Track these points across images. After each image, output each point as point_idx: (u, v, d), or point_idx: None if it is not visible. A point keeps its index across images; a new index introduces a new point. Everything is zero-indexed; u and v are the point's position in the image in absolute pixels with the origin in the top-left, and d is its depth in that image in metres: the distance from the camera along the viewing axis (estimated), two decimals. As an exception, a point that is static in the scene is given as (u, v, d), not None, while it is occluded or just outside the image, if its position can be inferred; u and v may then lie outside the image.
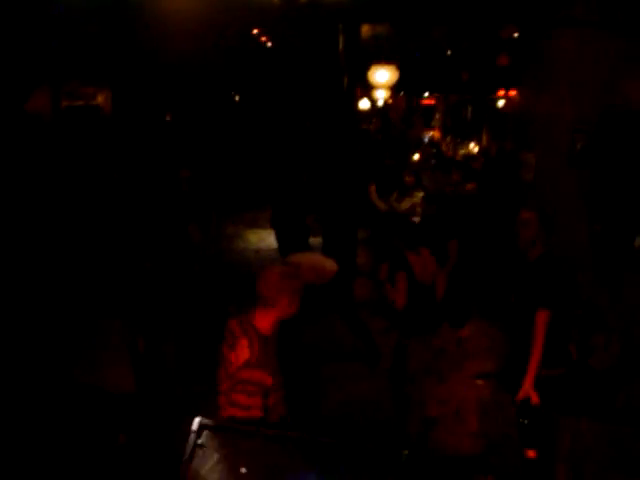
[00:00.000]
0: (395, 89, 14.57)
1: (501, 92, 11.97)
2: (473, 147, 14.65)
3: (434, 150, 14.62)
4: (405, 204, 8.00)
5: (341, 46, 9.73)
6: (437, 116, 18.72)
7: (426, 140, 15.97)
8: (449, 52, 14.20)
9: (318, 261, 6.01)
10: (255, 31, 10.69)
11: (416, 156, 13.27)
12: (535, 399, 3.90)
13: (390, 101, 17.14)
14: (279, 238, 8.36)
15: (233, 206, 12.85)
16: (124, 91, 9.37)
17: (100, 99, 8.86)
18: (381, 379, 5.55)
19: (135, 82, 9.78)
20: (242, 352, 3.01)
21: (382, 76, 11.23)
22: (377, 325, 6.70)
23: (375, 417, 5.25)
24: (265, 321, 3.16)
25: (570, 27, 6.57)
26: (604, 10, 5.87)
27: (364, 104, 16.14)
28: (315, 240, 8.55)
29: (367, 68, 11.49)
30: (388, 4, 9.05)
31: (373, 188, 8.19)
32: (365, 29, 10.86)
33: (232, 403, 3.02)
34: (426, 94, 18.31)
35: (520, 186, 8.49)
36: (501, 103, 15.38)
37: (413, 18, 9.94)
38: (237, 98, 16.59)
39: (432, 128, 18.67)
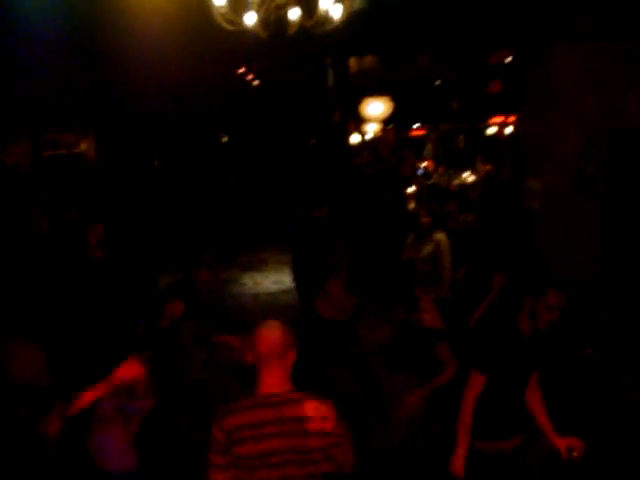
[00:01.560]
0: (384, 122, 14.37)
1: (498, 119, 11.73)
2: (468, 176, 14.36)
3: (428, 182, 14.33)
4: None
5: (331, 81, 9.56)
6: (428, 147, 18.53)
7: (420, 172, 15.67)
8: (438, 82, 14.07)
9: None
10: (241, 70, 10.48)
11: (411, 189, 12.96)
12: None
13: (379, 134, 16.96)
14: (298, 280, 7.91)
15: (226, 249, 12.48)
16: (109, 138, 9.05)
17: (83, 147, 8.52)
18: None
19: (120, 128, 9.48)
20: None
21: (375, 109, 11.00)
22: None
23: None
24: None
25: (571, 43, 6.30)
26: (607, 22, 5.59)
27: (354, 138, 15.92)
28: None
29: (357, 102, 11.27)
30: (375, 35, 8.85)
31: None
32: (353, 62, 10.69)
33: None
34: (416, 125, 18.13)
35: (524, 214, 8.17)
36: (492, 130, 15.22)
37: (400, 49, 9.77)
38: (225, 139, 16.35)
39: (424, 159, 18.46)
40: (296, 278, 8.01)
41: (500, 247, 6.51)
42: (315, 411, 2.65)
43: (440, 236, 6.78)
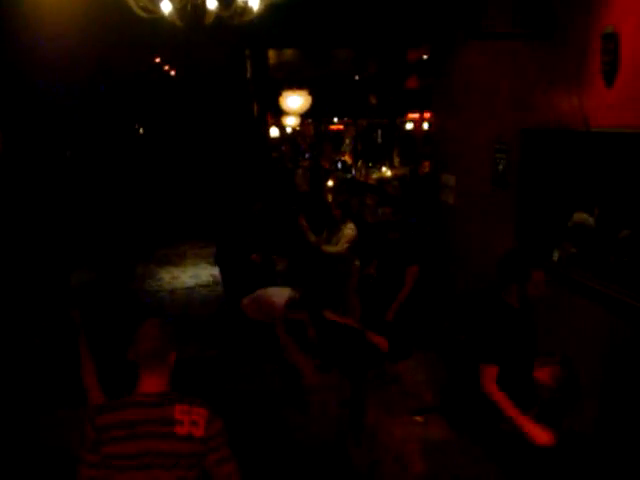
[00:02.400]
0: (303, 115, 14.40)
1: (414, 115, 11.94)
2: (386, 171, 14.59)
3: (349, 175, 14.46)
4: (341, 245, 7.05)
5: (249, 73, 9.45)
6: (347, 141, 18.69)
7: (339, 166, 15.79)
8: (357, 77, 14.21)
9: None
10: (157, 60, 10.22)
11: (330, 182, 13.04)
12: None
13: (298, 128, 16.97)
14: (224, 276, 7.83)
15: (142, 244, 12.19)
16: (15, 127, 8.63)
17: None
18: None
19: (28, 117, 9.06)
20: None
21: (294, 102, 10.98)
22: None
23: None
24: None
25: (480, 40, 6.44)
26: (517, 20, 5.73)
27: (273, 132, 15.88)
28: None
29: (276, 95, 11.21)
30: (294, 28, 8.84)
31: (303, 221, 7.36)
32: (272, 55, 10.62)
33: None
34: (335, 119, 18.26)
35: (440, 209, 8.36)
36: (410, 126, 15.49)
37: (319, 42, 9.78)
38: (141, 130, 15.95)
39: (342, 153, 18.60)
40: (222, 273, 7.94)
41: (411, 240, 6.66)
42: (186, 415, 2.60)
43: (349, 227, 7.03)
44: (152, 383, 2.65)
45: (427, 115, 10.74)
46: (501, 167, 6.56)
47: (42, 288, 6.32)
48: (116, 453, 2.52)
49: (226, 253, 7.60)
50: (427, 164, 10.49)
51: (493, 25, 5.99)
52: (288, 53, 10.85)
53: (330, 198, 11.48)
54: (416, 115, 12.05)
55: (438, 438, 5.08)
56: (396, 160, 15.72)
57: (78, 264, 9.41)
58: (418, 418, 5.68)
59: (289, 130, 17.08)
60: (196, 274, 10.51)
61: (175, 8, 4.61)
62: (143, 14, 4.54)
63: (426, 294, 6.87)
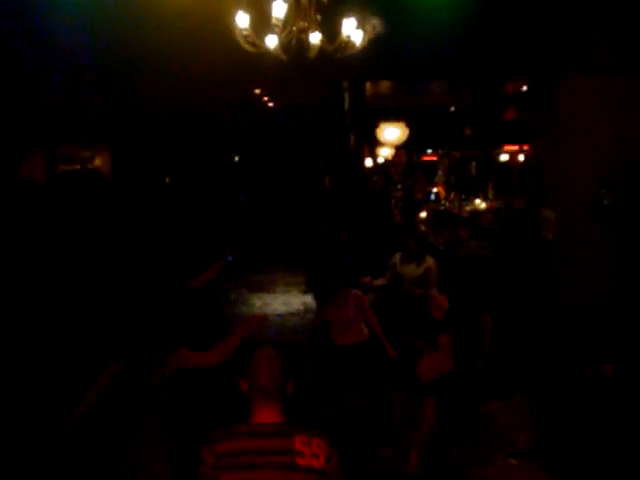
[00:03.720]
0: (397, 146, 14.38)
1: (513, 147, 11.71)
2: (480, 203, 14.30)
3: (442, 207, 14.29)
4: (412, 271, 6.96)
5: (346, 104, 9.55)
6: (440, 172, 18.50)
7: (432, 197, 15.65)
8: (452, 108, 14.11)
9: None
10: (257, 91, 10.51)
11: (423, 214, 12.93)
12: None
13: (391, 158, 16.97)
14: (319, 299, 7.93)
15: (236, 269, 12.44)
16: (123, 154, 9.07)
17: (98, 162, 8.54)
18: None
19: (134, 145, 9.51)
20: None
21: (391, 133, 11.02)
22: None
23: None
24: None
25: (587, 73, 6.28)
26: (623, 54, 5.56)
27: (367, 162, 15.95)
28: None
29: (372, 126, 11.28)
30: (391, 60, 8.88)
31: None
32: (369, 86, 10.71)
33: None
34: (429, 150, 18.14)
35: (540, 244, 8.10)
36: (505, 157, 15.17)
37: (415, 74, 9.80)
38: (236, 159, 16.42)
39: (434, 185, 18.43)
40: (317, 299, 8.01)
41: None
42: (306, 446, 2.56)
43: (430, 261, 6.95)
44: (269, 413, 2.63)
45: (524, 147, 10.49)
46: (606, 202, 6.33)
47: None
48: None
49: (317, 280, 7.65)
50: (521, 199, 10.19)
51: (599, 58, 5.83)
52: (385, 85, 10.92)
53: (423, 229, 11.36)
54: (514, 147, 11.79)
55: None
56: (490, 192, 15.41)
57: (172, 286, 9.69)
58: (512, 461, 5.46)
59: (381, 160, 17.11)
60: (287, 301, 10.60)
61: (280, 43, 4.75)
62: (250, 49, 4.68)
63: (522, 335, 6.64)
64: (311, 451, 2.56)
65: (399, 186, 17.31)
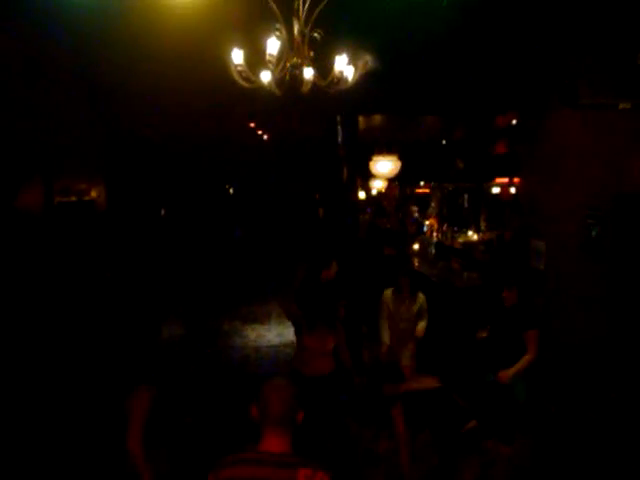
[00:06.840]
0: (390, 178, 14.54)
1: (503, 179, 11.87)
2: (472, 235, 14.43)
3: (435, 239, 14.40)
4: (405, 310, 6.83)
5: (339, 137, 9.71)
6: (432, 205, 18.66)
7: (425, 229, 15.77)
8: (444, 142, 14.30)
9: None
10: (252, 124, 10.68)
11: (416, 246, 13.03)
12: None
13: (383, 190, 17.12)
14: None
15: (228, 300, 12.50)
16: (119, 186, 9.17)
17: (94, 194, 8.63)
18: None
19: (130, 177, 9.62)
20: None
21: (384, 167, 11.18)
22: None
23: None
24: None
25: (577, 109, 6.43)
26: (609, 90, 5.70)
27: (360, 195, 16.10)
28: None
29: (365, 159, 11.44)
30: (384, 95, 9.06)
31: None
32: (362, 120, 10.90)
33: None
34: (421, 183, 18.31)
35: (531, 275, 8.19)
36: (496, 190, 15.33)
37: (408, 109, 9.98)
38: (231, 191, 16.54)
39: (427, 217, 18.57)
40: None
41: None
42: (309, 479, 2.59)
43: (422, 298, 6.87)
44: (277, 442, 2.66)
45: (515, 180, 10.65)
46: (594, 233, 6.44)
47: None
48: None
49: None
50: (509, 234, 10.26)
51: (592, 95, 5.95)
52: (377, 118, 11.11)
53: (416, 262, 11.45)
54: (505, 180, 11.95)
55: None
56: (482, 224, 15.54)
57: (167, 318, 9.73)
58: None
59: (374, 192, 17.28)
60: (281, 333, 10.62)
61: (274, 78, 4.89)
62: (245, 84, 4.81)
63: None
64: None
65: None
